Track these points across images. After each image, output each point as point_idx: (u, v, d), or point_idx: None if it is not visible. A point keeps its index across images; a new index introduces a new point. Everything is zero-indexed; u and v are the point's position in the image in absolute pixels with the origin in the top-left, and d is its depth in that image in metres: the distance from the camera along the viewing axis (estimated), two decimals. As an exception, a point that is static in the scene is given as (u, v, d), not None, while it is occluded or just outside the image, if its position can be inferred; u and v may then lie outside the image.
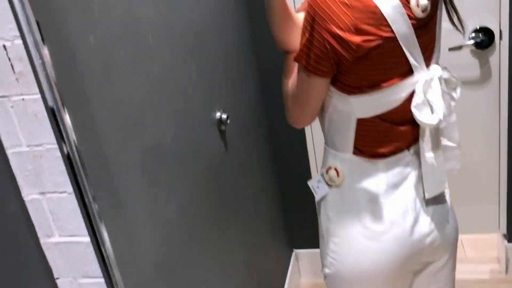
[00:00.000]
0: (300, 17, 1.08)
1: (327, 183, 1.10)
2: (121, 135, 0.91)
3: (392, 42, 0.90)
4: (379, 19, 0.88)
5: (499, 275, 2.16)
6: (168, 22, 1.16)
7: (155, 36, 1.08)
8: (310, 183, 1.14)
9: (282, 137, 2.16)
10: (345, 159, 1.06)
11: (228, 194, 1.53)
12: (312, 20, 0.88)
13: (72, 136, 0.65)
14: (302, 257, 2.36)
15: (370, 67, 0.93)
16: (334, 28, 0.86)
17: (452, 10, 1.03)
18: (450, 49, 1.84)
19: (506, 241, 2.12)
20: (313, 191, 1.14)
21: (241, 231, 1.64)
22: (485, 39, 1.84)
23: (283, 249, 2.24)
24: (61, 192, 0.67)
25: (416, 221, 1.06)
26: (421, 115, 0.96)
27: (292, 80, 1.04)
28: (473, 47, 1.87)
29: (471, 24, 1.86)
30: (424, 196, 1.07)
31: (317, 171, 2.18)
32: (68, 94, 0.69)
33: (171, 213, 1.11)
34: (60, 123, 0.62)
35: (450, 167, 1.11)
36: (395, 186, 1.05)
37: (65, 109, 0.64)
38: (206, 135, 1.38)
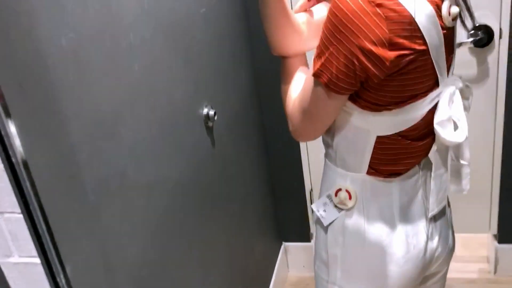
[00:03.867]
0: (299, 18, 1.01)
1: (336, 206, 1.01)
2: (96, 140, 0.88)
3: (423, 56, 0.82)
4: (414, 31, 0.78)
5: (487, 275, 2.15)
6: (152, 15, 1.12)
7: (137, 32, 1.04)
8: (315, 207, 1.04)
9: (274, 129, 2.12)
10: (357, 179, 0.98)
11: (214, 190, 1.50)
12: (338, 32, 0.77)
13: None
14: (292, 250, 2.35)
15: (400, 84, 0.84)
16: (366, 42, 0.76)
17: (467, 11, 0.95)
18: (448, 47, 1.79)
19: (496, 242, 2.11)
20: (319, 215, 1.03)
21: (227, 226, 1.62)
22: (484, 37, 1.80)
23: (272, 242, 2.22)
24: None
25: (428, 239, 1.02)
26: (445, 132, 0.89)
27: (302, 94, 0.92)
28: (471, 45, 1.82)
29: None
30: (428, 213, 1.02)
31: (309, 165, 2.16)
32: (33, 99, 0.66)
33: (154, 212, 1.08)
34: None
35: (461, 187, 1.05)
36: (408, 204, 1.00)
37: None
38: (191, 132, 1.35)
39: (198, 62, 1.40)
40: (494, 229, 2.10)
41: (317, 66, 0.83)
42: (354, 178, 0.98)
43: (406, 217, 1.00)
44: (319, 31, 1.02)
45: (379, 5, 0.75)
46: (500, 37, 1.79)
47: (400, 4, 0.76)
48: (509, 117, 1.88)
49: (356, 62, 0.78)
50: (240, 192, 1.77)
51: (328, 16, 0.79)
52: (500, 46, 1.81)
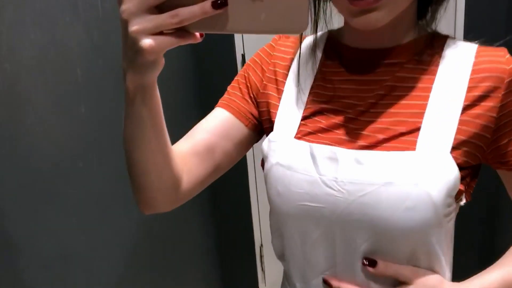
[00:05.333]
0: (177, 147, 0.71)
1: None
2: (36, 192, 0.70)
3: None
4: None
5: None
6: (102, 51, 0.96)
7: (85, 68, 0.88)
8: None
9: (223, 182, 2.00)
10: None
11: (159, 251, 1.34)
12: None
13: None
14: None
15: None
16: None
17: None
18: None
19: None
20: None
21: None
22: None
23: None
24: None
25: None
26: None
27: None
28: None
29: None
30: None
31: (259, 219, 2.06)
32: None
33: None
34: None
35: None
36: None
37: None
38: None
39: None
40: None
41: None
42: None
43: None
44: (207, 163, 0.72)
45: None
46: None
47: None
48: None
49: None
50: (184, 249, 1.61)
51: None
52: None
